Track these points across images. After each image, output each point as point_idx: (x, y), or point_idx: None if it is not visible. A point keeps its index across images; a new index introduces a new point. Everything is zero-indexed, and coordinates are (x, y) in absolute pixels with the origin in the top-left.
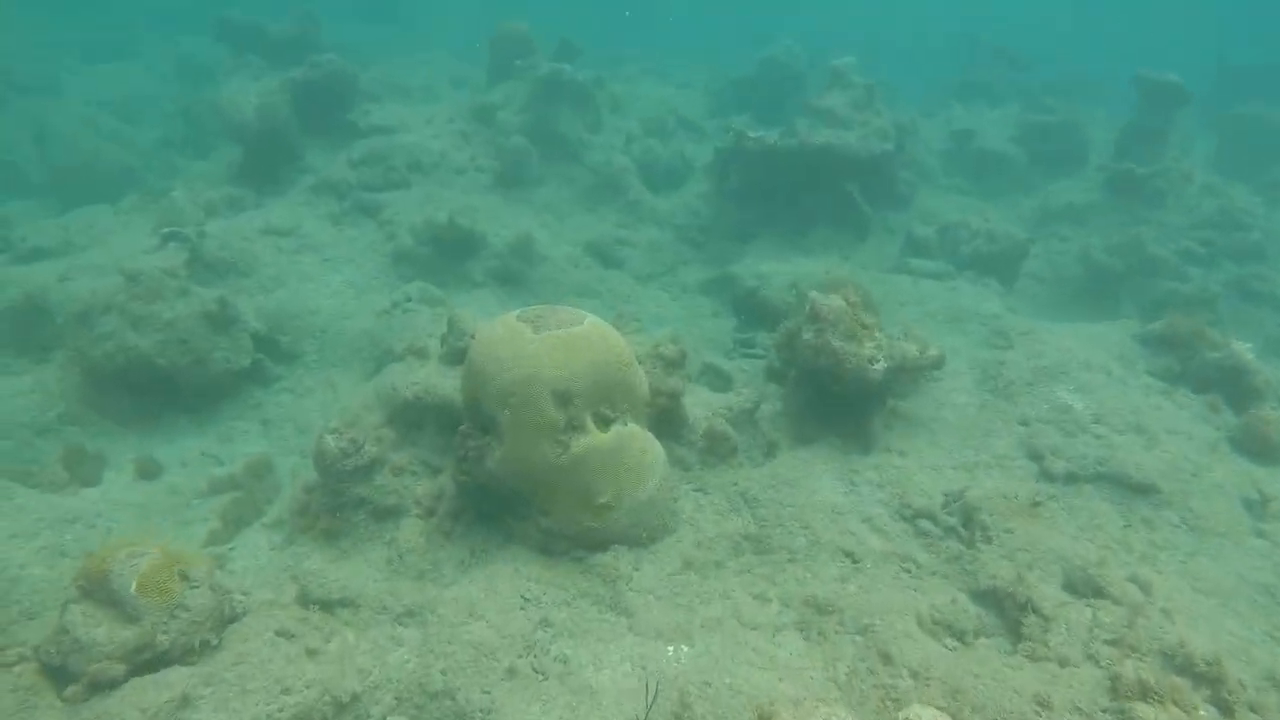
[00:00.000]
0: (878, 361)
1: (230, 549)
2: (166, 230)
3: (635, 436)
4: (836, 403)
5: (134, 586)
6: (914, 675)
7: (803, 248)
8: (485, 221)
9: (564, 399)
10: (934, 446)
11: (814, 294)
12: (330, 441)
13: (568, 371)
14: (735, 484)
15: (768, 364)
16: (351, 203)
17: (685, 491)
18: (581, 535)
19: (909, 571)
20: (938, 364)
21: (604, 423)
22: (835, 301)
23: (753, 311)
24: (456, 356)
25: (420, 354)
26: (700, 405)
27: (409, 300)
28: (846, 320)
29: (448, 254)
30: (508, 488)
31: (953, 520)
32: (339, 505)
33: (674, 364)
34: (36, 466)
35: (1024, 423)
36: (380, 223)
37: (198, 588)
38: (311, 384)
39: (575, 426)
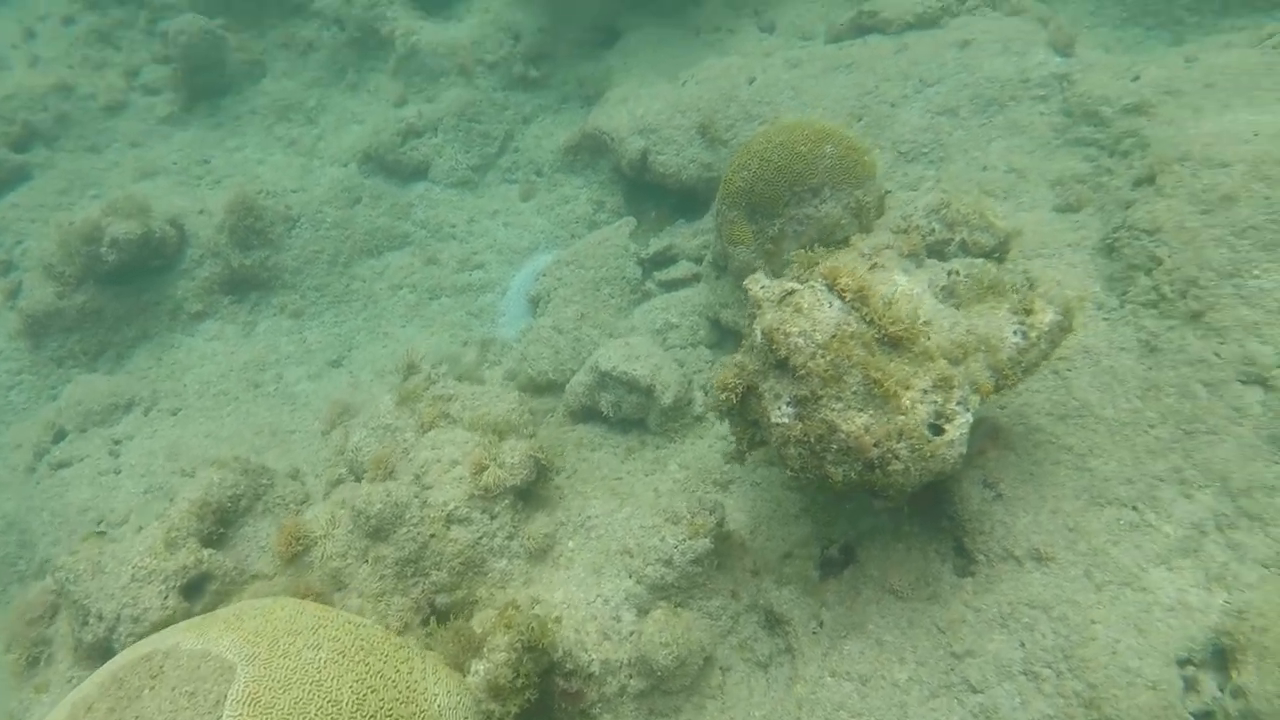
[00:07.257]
0: (951, 420)
1: None
2: None
3: None
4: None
5: None
6: None
7: (697, 35)
8: (177, 194)
9: None
10: (1094, 504)
11: (757, 289)
12: None
13: None
14: None
15: (709, 316)
16: None
17: None
18: None
19: None
20: (1065, 326)
21: None
22: (820, 321)
23: (653, 196)
24: None
25: None
26: (591, 551)
27: None
28: (861, 352)
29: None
30: None
31: None
32: None
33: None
34: None
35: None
36: None
37: None
38: None
39: None
